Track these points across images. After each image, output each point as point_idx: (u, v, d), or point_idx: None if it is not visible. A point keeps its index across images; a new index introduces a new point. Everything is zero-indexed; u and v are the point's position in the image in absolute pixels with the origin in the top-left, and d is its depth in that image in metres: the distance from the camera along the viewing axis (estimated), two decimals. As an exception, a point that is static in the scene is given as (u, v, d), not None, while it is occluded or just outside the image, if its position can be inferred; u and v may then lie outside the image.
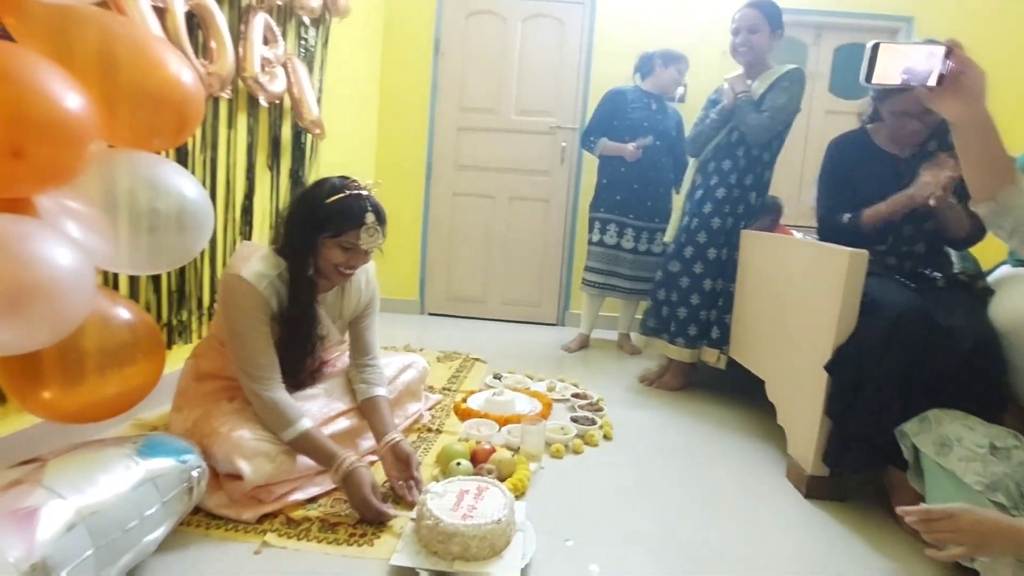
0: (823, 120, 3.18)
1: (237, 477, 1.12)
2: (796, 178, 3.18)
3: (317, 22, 2.30)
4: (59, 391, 0.97)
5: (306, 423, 1.17)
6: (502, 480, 1.25)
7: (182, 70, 1.03)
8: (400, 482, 1.23)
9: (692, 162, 2.30)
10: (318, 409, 1.32)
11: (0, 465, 1.03)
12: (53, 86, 0.80)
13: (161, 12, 1.44)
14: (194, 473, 0.99)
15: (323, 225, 1.19)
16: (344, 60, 2.61)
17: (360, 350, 1.44)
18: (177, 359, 1.54)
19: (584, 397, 1.92)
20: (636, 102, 2.67)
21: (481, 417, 1.67)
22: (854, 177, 1.57)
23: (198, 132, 1.68)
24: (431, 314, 3.35)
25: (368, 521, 1.12)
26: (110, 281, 1.42)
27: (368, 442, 1.38)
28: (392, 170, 3.27)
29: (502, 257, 3.29)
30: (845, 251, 1.32)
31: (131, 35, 0.99)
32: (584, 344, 2.82)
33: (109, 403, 1.05)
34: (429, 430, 1.61)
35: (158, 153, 1.07)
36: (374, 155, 3.26)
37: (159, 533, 0.92)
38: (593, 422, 1.67)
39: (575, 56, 3.15)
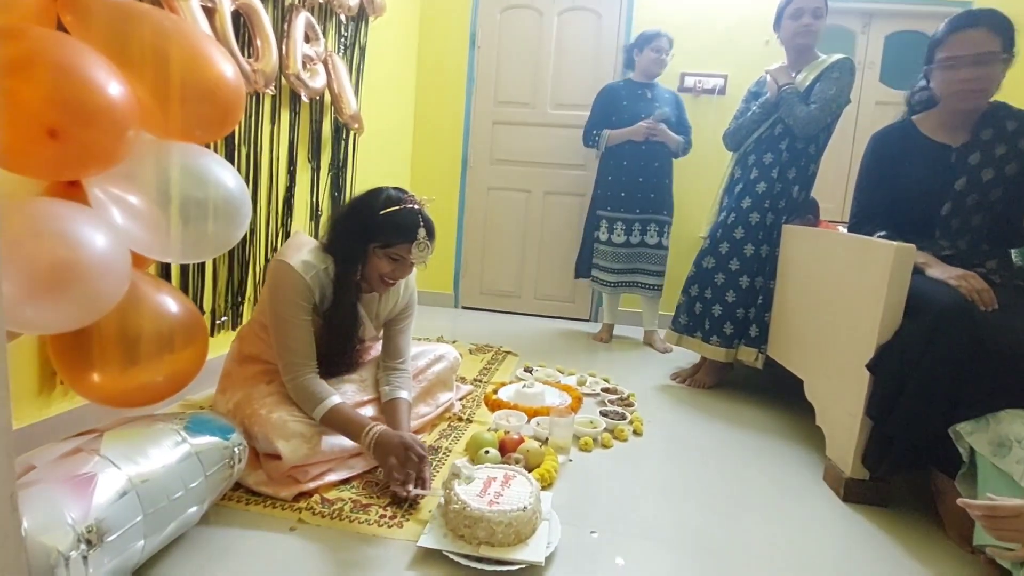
0: (873, 111, 3.03)
1: (276, 456, 1.17)
2: (843, 172, 3.05)
3: (355, 19, 2.36)
4: (107, 375, 1.03)
5: (335, 399, 1.21)
6: (529, 470, 1.26)
7: (226, 66, 1.08)
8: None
9: (731, 156, 2.24)
10: (349, 396, 1.36)
11: (46, 442, 1.12)
12: (93, 73, 0.85)
13: (210, 12, 1.51)
14: (235, 450, 1.04)
15: (375, 235, 1.23)
16: (381, 56, 2.66)
17: (391, 353, 1.45)
18: (220, 345, 1.62)
19: (614, 392, 1.91)
20: (629, 94, 2.67)
21: (511, 408, 1.68)
22: (898, 173, 1.50)
23: (242, 127, 1.76)
24: (465, 308, 3.39)
25: (396, 485, 1.12)
26: (160, 271, 1.50)
27: None
28: (427, 164, 3.32)
29: (536, 252, 3.30)
30: (891, 245, 1.27)
31: (180, 31, 1.04)
32: (608, 336, 2.82)
33: (153, 389, 1.11)
34: (460, 419, 1.63)
35: (203, 145, 1.12)
36: (410, 149, 3.32)
37: (202, 505, 0.97)
38: (623, 417, 1.66)
39: (612, 48, 3.11)
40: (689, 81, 3.08)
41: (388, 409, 1.36)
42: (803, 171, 2.02)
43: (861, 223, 1.57)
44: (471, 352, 2.39)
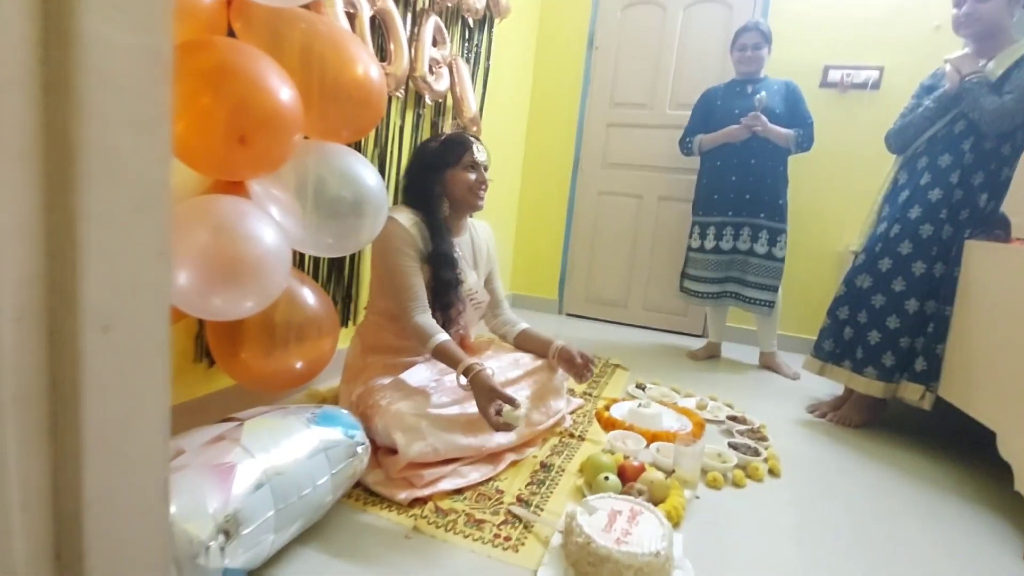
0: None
1: (393, 451, 1.19)
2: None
3: (481, 23, 2.36)
4: (254, 358, 1.08)
5: (443, 336, 1.31)
6: (653, 504, 1.14)
7: (371, 67, 1.08)
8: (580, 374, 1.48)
9: (894, 159, 1.93)
10: (499, 374, 1.39)
11: (202, 420, 1.19)
12: (271, 80, 0.88)
13: (351, 16, 1.56)
14: (359, 449, 1.04)
15: (445, 160, 1.42)
16: (500, 59, 2.66)
17: (495, 301, 1.65)
18: (347, 337, 1.67)
19: (743, 421, 1.71)
20: (725, 95, 2.42)
21: (626, 429, 1.56)
22: None
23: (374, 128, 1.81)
24: (569, 314, 3.30)
25: (487, 419, 1.20)
26: (297, 262, 1.58)
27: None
28: (539, 167, 3.28)
29: (647, 260, 3.12)
30: None
31: (331, 33, 1.06)
32: (713, 353, 2.58)
33: (293, 373, 1.15)
34: (571, 435, 1.54)
35: (345, 144, 1.13)
36: (522, 151, 3.30)
37: (326, 503, 0.97)
38: (756, 452, 1.47)
39: (744, 43, 2.85)
40: (834, 75, 2.73)
41: (522, 341, 1.59)
42: (993, 176, 1.68)
43: None
44: (577, 362, 2.29)
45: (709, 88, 2.55)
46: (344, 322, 1.83)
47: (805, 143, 2.34)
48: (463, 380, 1.25)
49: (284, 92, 0.89)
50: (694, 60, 2.94)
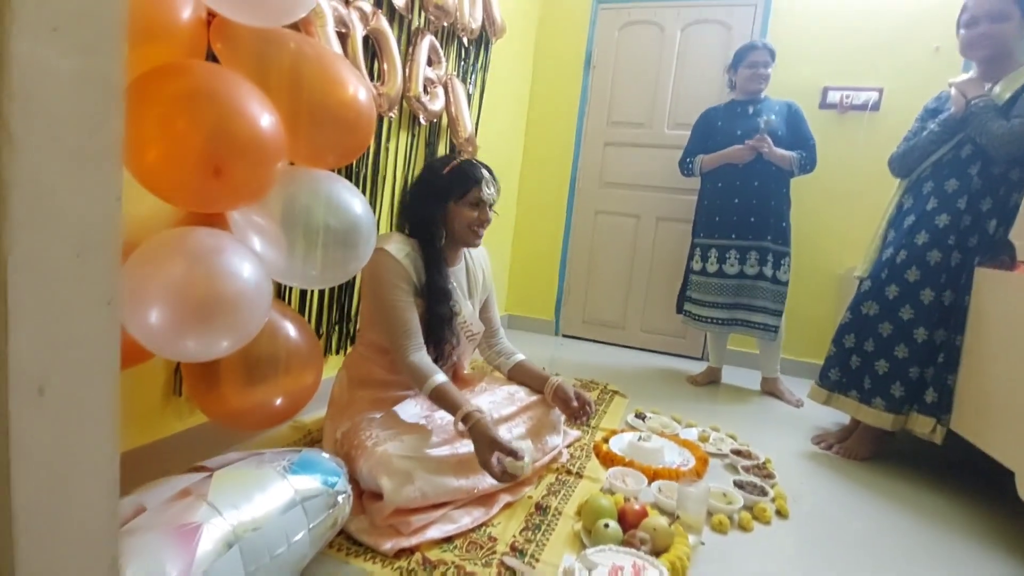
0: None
1: (379, 496, 1.11)
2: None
3: (477, 42, 2.33)
4: (230, 396, 1.01)
5: (441, 377, 1.24)
6: (656, 554, 1.06)
7: (360, 90, 1.03)
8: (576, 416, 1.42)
9: (898, 183, 1.89)
10: (494, 409, 1.34)
11: (181, 457, 1.11)
12: (251, 106, 0.82)
13: (343, 36, 1.52)
14: (340, 499, 0.96)
15: (450, 191, 1.32)
16: (496, 78, 2.63)
17: (490, 331, 1.58)
18: (333, 366, 1.60)
19: (747, 456, 1.64)
20: (726, 115, 2.38)
21: (626, 465, 1.49)
22: None
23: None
24: (566, 336, 3.23)
25: (490, 473, 1.14)
26: (277, 292, 1.51)
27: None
28: (535, 185, 3.24)
29: (645, 281, 3.07)
30: None
31: (318, 55, 1.01)
32: (714, 379, 2.52)
33: (273, 410, 1.08)
34: (568, 472, 1.46)
35: (331, 170, 1.08)
36: (519, 170, 3.26)
37: (304, 560, 0.89)
38: (763, 492, 1.39)
39: (743, 63, 2.84)
40: (834, 96, 2.72)
41: (517, 373, 1.52)
42: (1002, 202, 1.63)
43: None
44: (575, 389, 2.22)
45: (709, 108, 2.51)
46: (334, 350, 1.76)
47: (808, 165, 2.31)
48: (462, 427, 1.18)
49: (265, 118, 0.83)
50: (692, 80, 2.92)
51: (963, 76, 1.73)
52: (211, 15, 0.96)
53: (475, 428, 1.16)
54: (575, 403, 1.42)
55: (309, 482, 0.92)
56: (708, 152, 2.40)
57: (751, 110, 2.35)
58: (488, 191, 1.33)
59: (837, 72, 2.71)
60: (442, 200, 1.32)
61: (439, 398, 1.22)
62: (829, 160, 2.56)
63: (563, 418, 1.53)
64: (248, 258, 0.87)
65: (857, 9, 2.67)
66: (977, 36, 1.62)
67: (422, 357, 1.27)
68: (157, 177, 0.78)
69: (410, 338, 1.27)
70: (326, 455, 1.00)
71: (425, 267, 1.32)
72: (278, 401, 1.05)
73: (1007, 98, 1.59)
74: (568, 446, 1.61)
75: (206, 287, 0.80)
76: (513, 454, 1.15)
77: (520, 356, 1.56)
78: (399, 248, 1.29)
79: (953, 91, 1.71)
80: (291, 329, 1.09)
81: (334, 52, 1.22)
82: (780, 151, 2.27)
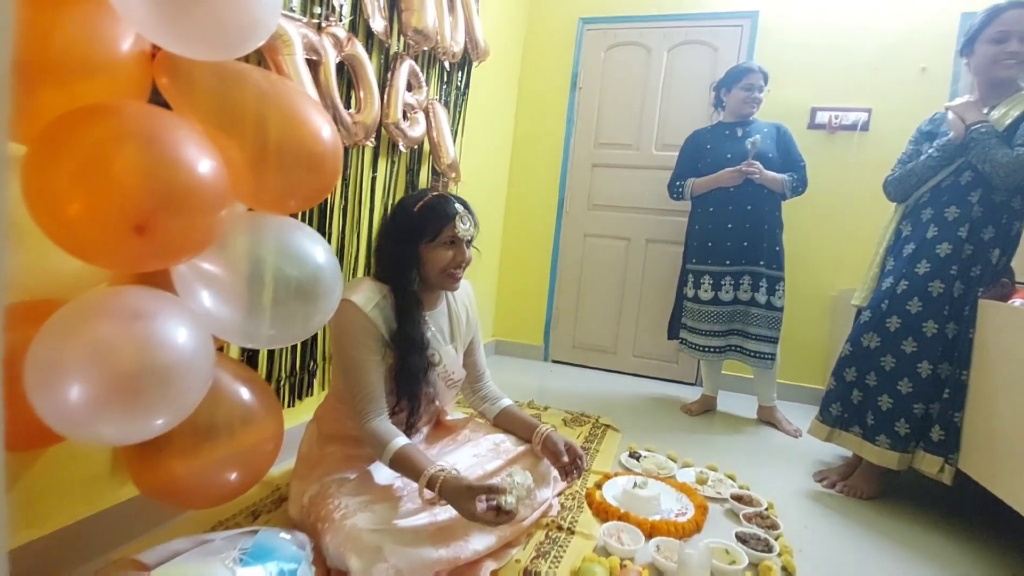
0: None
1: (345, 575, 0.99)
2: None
3: (459, 66, 2.26)
4: (173, 474, 0.89)
5: (401, 441, 1.14)
6: (658, 632, 0.96)
7: (323, 128, 0.94)
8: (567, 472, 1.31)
9: (894, 208, 1.83)
10: (478, 465, 1.24)
11: (119, 534, 0.99)
12: (186, 151, 0.72)
13: (315, 65, 1.43)
14: (300, 589, 0.85)
15: (421, 232, 1.21)
16: (481, 102, 2.56)
17: (475, 375, 1.47)
18: (293, 417, 1.48)
19: (748, 502, 1.54)
20: (715, 137, 2.33)
21: (621, 518, 1.39)
22: None
23: (340, 179, 1.66)
24: (555, 361, 3.13)
25: (484, 522, 1.03)
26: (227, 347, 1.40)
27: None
28: (522, 208, 3.17)
29: (636, 304, 2.99)
30: None
31: (276, 90, 0.92)
32: (709, 407, 2.44)
33: (226, 486, 0.96)
34: (559, 528, 1.36)
35: (292, 216, 0.98)
36: (505, 193, 3.18)
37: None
38: (768, 547, 1.30)
39: (730, 84, 2.80)
40: (822, 117, 2.68)
41: (504, 420, 1.42)
42: (1004, 230, 1.58)
43: None
44: (565, 423, 2.12)
45: (696, 130, 2.46)
46: (298, 395, 1.63)
47: (799, 187, 2.27)
48: (429, 494, 1.06)
49: (203, 164, 0.74)
50: (680, 101, 2.88)
51: (959, 100, 1.68)
52: (156, 48, 0.87)
53: (444, 488, 1.04)
54: (565, 457, 1.31)
55: (264, 574, 0.81)
56: (697, 175, 2.35)
57: (739, 132, 2.30)
58: (463, 226, 1.22)
59: (825, 92, 2.68)
60: (413, 243, 1.22)
61: (399, 465, 1.11)
62: (820, 181, 2.51)
63: (554, 471, 1.43)
64: (185, 321, 0.77)
65: (843, 29, 2.65)
66: (1005, 54, 1.54)
67: (381, 423, 1.16)
68: (73, 235, 0.68)
69: (371, 403, 1.16)
70: (286, 536, 0.90)
71: (397, 316, 1.21)
72: (232, 476, 0.93)
73: (1007, 124, 1.54)
74: (559, 494, 1.51)
75: (132, 358, 0.70)
76: (494, 491, 1.04)
77: (506, 401, 1.46)
78: (367, 299, 1.18)
79: (951, 115, 1.66)
80: (244, 391, 0.98)
81: (297, 87, 1.13)
82: (771, 174, 2.22)
